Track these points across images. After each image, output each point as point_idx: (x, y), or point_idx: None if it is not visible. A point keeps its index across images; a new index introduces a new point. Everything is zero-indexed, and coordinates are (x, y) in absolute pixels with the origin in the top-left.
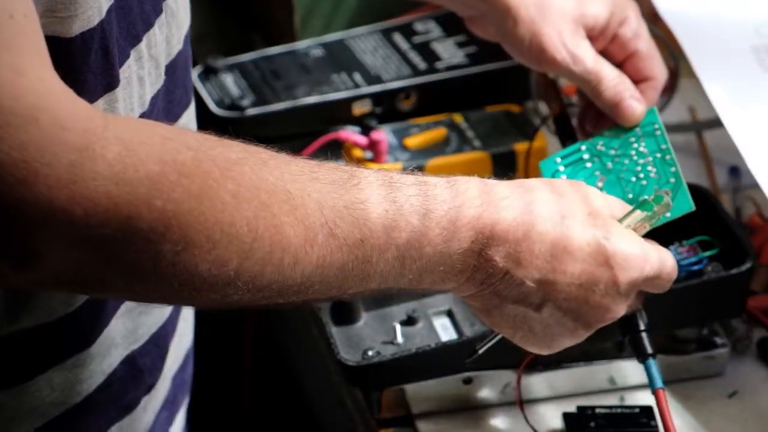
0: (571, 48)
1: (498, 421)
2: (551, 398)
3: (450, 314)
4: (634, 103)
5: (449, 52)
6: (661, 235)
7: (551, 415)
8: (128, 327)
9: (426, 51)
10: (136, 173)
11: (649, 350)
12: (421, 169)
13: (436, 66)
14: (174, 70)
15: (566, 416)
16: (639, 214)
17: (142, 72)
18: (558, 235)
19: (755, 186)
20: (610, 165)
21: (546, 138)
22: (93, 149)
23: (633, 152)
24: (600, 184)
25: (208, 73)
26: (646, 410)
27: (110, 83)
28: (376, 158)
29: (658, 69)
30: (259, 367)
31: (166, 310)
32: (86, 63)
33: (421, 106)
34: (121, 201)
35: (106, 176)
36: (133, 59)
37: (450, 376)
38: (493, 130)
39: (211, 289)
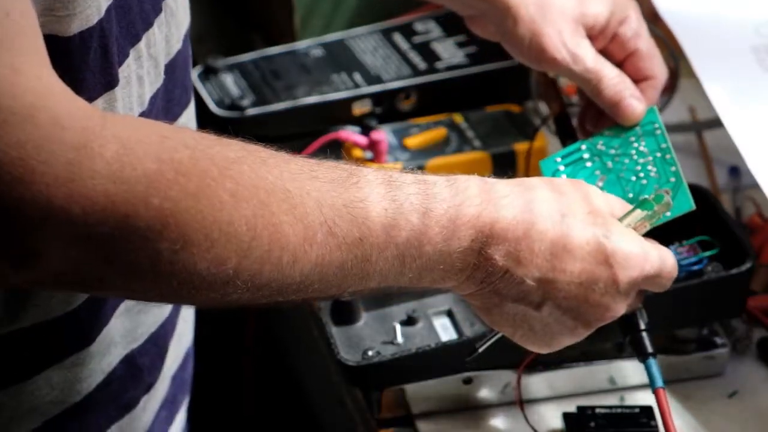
0: (571, 47)
1: (498, 421)
2: (551, 398)
3: (450, 314)
4: (635, 102)
5: (449, 52)
6: (661, 234)
7: (551, 415)
8: (127, 326)
9: (426, 51)
10: (134, 172)
11: (650, 350)
12: (421, 169)
13: (436, 66)
14: (173, 70)
15: (566, 416)
16: (639, 213)
17: (142, 71)
18: (558, 234)
19: (755, 186)
20: (610, 164)
21: (546, 138)
22: (91, 148)
23: (633, 151)
24: (600, 184)
25: (208, 73)
26: (646, 410)
27: (109, 82)
28: (376, 158)
29: (658, 68)
30: (259, 366)
31: (165, 310)
32: (85, 62)
33: (421, 106)
34: (119, 199)
35: (103, 175)
36: (132, 58)
37: (450, 376)
38: (493, 130)
39: (210, 288)
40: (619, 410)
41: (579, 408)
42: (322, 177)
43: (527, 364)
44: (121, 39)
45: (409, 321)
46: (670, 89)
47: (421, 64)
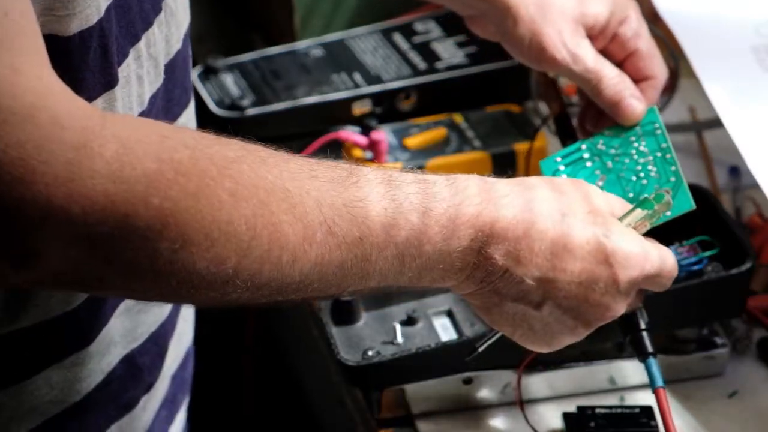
0: (571, 47)
1: (498, 421)
2: (551, 398)
3: (450, 314)
4: (635, 102)
5: (449, 52)
6: (661, 234)
7: (551, 415)
8: (127, 326)
9: (426, 51)
10: (133, 171)
11: (650, 349)
12: (421, 168)
13: (436, 66)
14: (173, 70)
15: (566, 416)
16: (639, 212)
17: (141, 71)
18: (558, 233)
19: (755, 186)
20: (610, 164)
21: (546, 138)
22: (90, 147)
23: (633, 151)
24: (600, 184)
25: (208, 73)
26: (646, 410)
27: (109, 82)
28: (376, 158)
29: (658, 68)
30: (259, 366)
31: (165, 309)
32: (85, 62)
33: (421, 106)
34: (119, 199)
35: (103, 174)
36: (132, 58)
37: (450, 376)
38: (493, 130)
39: (210, 287)
40: (619, 410)
41: (579, 408)
42: (321, 176)
43: (527, 364)
44: (120, 39)
45: (409, 321)
46: (670, 89)
47: (421, 64)
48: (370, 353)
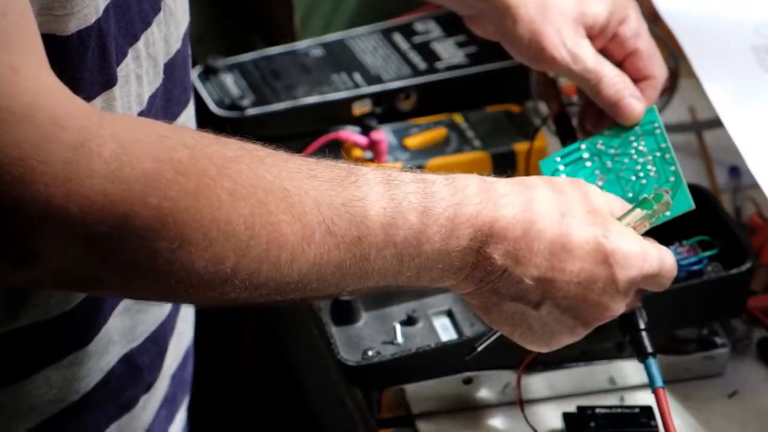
0: (571, 47)
1: (498, 421)
2: (551, 398)
3: (450, 314)
4: (634, 101)
5: (449, 52)
6: (661, 234)
7: (551, 415)
8: (126, 325)
9: (426, 51)
10: (132, 171)
11: (649, 349)
12: (420, 168)
13: (436, 66)
14: (172, 69)
15: (566, 416)
16: (639, 212)
17: (140, 70)
18: (557, 233)
19: (755, 186)
20: (609, 164)
21: (546, 138)
22: (89, 147)
23: (633, 151)
24: (600, 183)
25: (208, 73)
26: (646, 410)
27: (108, 81)
28: (376, 158)
29: (657, 68)
30: (259, 366)
31: (164, 309)
32: (83, 61)
33: (421, 106)
34: (117, 199)
35: (101, 174)
36: (130, 58)
37: (450, 376)
38: (493, 130)
39: (208, 287)
40: (619, 410)
41: (579, 408)
42: (320, 176)
43: (527, 364)
44: (119, 38)
45: (409, 321)
46: (670, 89)
47: (421, 64)
48: (370, 353)
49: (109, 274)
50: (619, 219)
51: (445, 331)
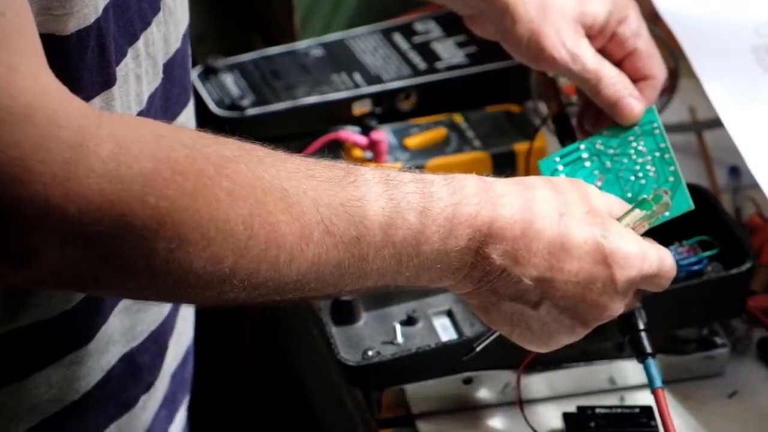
0: (570, 47)
1: (498, 421)
2: (551, 398)
3: (450, 314)
4: (633, 101)
5: (449, 52)
6: (661, 234)
7: (551, 415)
8: (126, 324)
9: (426, 51)
10: (130, 170)
11: (649, 350)
12: (421, 169)
13: (436, 66)
14: (172, 69)
15: (566, 416)
16: (638, 213)
17: (140, 70)
18: (556, 233)
19: (755, 186)
20: (608, 164)
21: (546, 138)
22: (87, 146)
23: (632, 151)
24: (599, 183)
25: (208, 73)
26: (646, 410)
27: (107, 81)
28: (376, 158)
29: (657, 68)
30: (259, 366)
31: (164, 308)
32: (82, 61)
33: (421, 106)
34: (115, 198)
35: (99, 174)
36: (130, 57)
37: (450, 376)
38: (493, 130)
39: (207, 287)
40: (619, 410)
41: (579, 408)
42: (318, 176)
43: (527, 364)
44: (118, 38)
45: (409, 321)
46: (669, 89)
47: (421, 64)
48: (370, 353)
49: (107, 274)
50: (619, 219)
51: (445, 331)
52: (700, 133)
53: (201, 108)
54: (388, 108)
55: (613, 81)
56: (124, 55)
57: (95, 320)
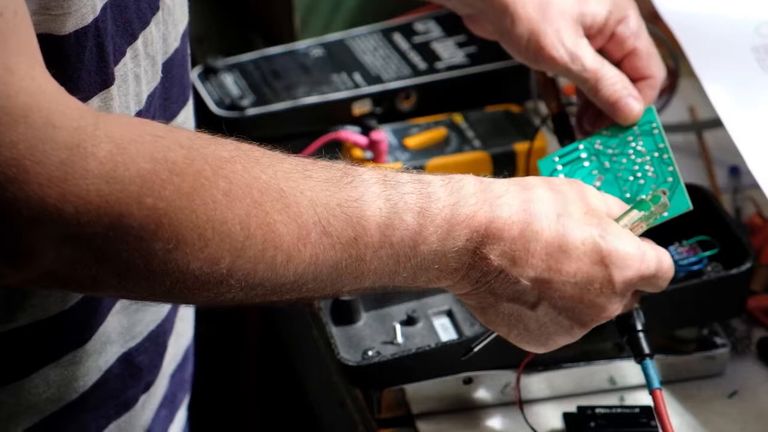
0: (570, 47)
1: (498, 421)
2: (551, 398)
3: (450, 314)
4: (632, 101)
5: (449, 52)
6: (660, 234)
7: (551, 415)
8: (124, 324)
9: (426, 51)
10: (127, 171)
11: (647, 350)
12: (420, 169)
13: (436, 66)
14: (171, 68)
15: (566, 416)
16: (636, 213)
17: (138, 70)
18: (554, 234)
19: (755, 186)
20: (607, 164)
21: (546, 138)
22: (84, 147)
23: (631, 151)
24: (598, 183)
25: (208, 73)
26: (646, 410)
27: (105, 81)
28: (376, 158)
29: (656, 68)
30: (260, 366)
31: (163, 309)
32: (81, 61)
33: (421, 106)
34: (112, 199)
35: (96, 174)
36: (129, 57)
37: (450, 376)
38: (493, 130)
39: (204, 287)
40: (619, 410)
41: (579, 408)
42: (316, 176)
43: (527, 364)
44: (117, 37)
45: (409, 321)
46: (669, 89)
47: (421, 64)
48: (370, 353)
49: (104, 274)
50: (617, 220)
51: (445, 331)
52: (700, 133)
53: (201, 108)
54: (388, 108)
55: (612, 81)
56: (122, 54)
57: (93, 320)
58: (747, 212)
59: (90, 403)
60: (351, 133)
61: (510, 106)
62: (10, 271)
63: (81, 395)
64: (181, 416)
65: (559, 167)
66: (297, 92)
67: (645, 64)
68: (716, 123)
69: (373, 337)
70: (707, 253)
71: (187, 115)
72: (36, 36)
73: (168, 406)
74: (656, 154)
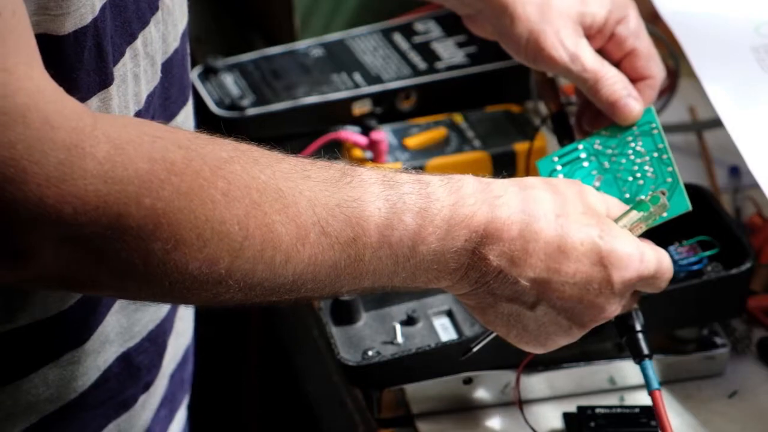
0: (570, 47)
1: (498, 421)
2: (551, 398)
3: (450, 314)
4: (632, 101)
5: (449, 52)
6: (660, 234)
7: (551, 415)
8: (123, 324)
9: (426, 51)
10: (125, 171)
11: (646, 351)
12: (419, 169)
13: (436, 66)
14: (170, 68)
15: (566, 416)
16: (635, 214)
17: (138, 70)
18: (553, 234)
19: (755, 186)
20: (607, 164)
21: (546, 138)
22: (82, 148)
23: (630, 151)
24: (597, 184)
25: (208, 73)
26: (646, 410)
27: (104, 81)
28: (376, 158)
29: (655, 68)
30: (260, 366)
31: (162, 308)
32: (80, 61)
33: (421, 106)
34: (111, 199)
35: (95, 174)
36: (128, 57)
37: (450, 376)
38: (493, 130)
39: (202, 288)
40: (619, 410)
41: (579, 408)
42: (315, 176)
43: (527, 364)
44: (116, 37)
45: (409, 321)
46: (669, 89)
47: (421, 64)
48: (370, 353)
49: (103, 275)
50: (616, 221)
51: (445, 331)
52: (700, 133)
53: (201, 108)
54: (388, 108)
55: (612, 81)
56: (122, 54)
57: (91, 320)
58: (747, 212)
59: (89, 403)
60: (351, 133)
61: (510, 106)
62: (9, 272)
63: (80, 395)
64: (180, 416)
65: (559, 167)
66: (297, 92)
67: (644, 65)
68: (716, 123)
69: (373, 337)
70: (707, 253)
71: (186, 115)
72: (35, 36)
73: (168, 406)
74: (655, 155)
